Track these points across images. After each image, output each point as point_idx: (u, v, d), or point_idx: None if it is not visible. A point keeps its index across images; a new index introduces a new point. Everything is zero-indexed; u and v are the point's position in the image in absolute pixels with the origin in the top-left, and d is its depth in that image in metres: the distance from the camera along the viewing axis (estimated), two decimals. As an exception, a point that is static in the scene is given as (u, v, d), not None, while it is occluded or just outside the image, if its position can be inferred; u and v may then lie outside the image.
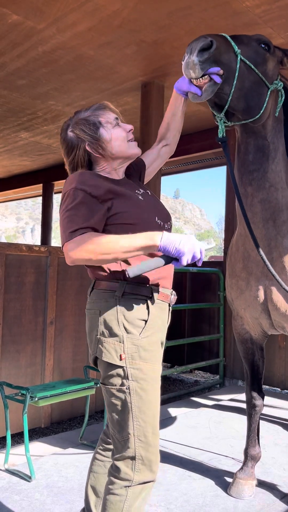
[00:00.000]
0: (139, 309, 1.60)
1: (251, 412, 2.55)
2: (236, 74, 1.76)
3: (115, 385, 1.58)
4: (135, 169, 1.91)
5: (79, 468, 2.78)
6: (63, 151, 1.76)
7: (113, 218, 1.59)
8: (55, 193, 8.69)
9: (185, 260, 1.48)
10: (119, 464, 1.58)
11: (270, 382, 4.92)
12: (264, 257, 1.90)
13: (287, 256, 2.16)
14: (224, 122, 1.91)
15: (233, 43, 1.78)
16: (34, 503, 2.37)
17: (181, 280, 5.79)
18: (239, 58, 1.78)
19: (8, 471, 2.73)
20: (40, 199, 8.84)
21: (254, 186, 2.07)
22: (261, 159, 2.05)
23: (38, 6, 3.20)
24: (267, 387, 5.01)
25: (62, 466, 2.81)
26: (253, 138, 2.04)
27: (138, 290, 1.61)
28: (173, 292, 1.76)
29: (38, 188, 8.71)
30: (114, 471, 1.60)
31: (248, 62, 1.82)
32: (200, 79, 1.68)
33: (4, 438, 3.27)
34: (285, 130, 2.16)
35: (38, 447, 3.19)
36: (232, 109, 1.86)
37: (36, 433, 3.63)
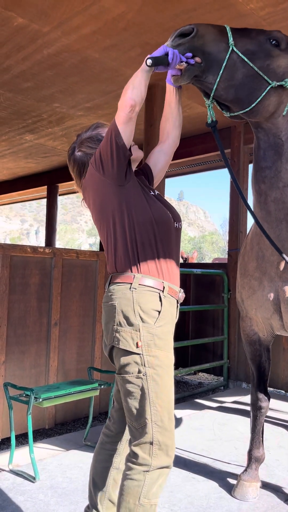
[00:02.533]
0: (153, 300, 1.70)
1: (256, 414, 2.54)
2: (224, 64, 1.79)
3: (132, 373, 1.65)
4: (143, 173, 1.96)
5: (83, 469, 2.78)
6: (75, 172, 1.91)
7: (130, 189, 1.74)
8: (60, 195, 8.71)
9: (171, 55, 1.70)
10: (137, 450, 1.64)
11: (274, 384, 4.91)
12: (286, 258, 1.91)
13: None
14: (222, 110, 1.96)
15: (229, 34, 1.81)
16: (38, 504, 2.37)
17: (185, 282, 5.79)
18: (230, 50, 1.80)
19: (13, 471, 2.74)
20: (44, 201, 8.87)
21: (267, 184, 2.05)
22: (273, 157, 2.03)
23: (43, 9, 3.22)
24: (271, 389, 4.99)
25: (66, 467, 2.82)
26: (263, 134, 2.04)
27: (151, 282, 1.71)
28: (181, 290, 1.85)
29: (43, 190, 8.74)
30: (132, 457, 1.65)
31: (241, 55, 1.82)
32: (179, 64, 1.75)
33: (9, 439, 3.28)
34: None
35: (42, 448, 3.20)
36: (219, 98, 1.88)
37: (40, 434, 3.64)
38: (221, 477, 2.74)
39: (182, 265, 7.04)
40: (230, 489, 2.57)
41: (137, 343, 1.64)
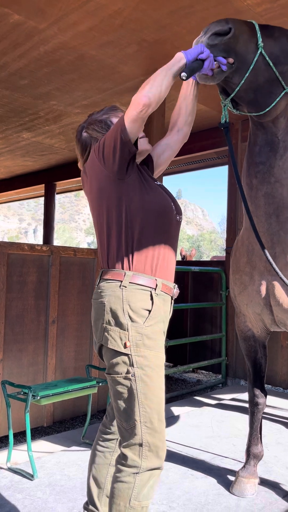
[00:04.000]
0: (144, 299, 1.66)
1: (253, 410, 2.55)
2: (251, 67, 1.74)
3: (121, 373, 1.62)
4: (144, 162, 1.90)
5: (81, 467, 2.78)
6: (78, 151, 1.87)
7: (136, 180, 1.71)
8: (57, 193, 8.69)
9: (205, 56, 1.64)
10: (126, 451, 1.61)
11: (273, 381, 4.92)
12: (267, 254, 1.90)
13: None
14: (229, 108, 1.91)
15: (258, 34, 1.74)
16: (36, 502, 2.37)
17: (183, 280, 5.80)
18: (259, 52, 1.74)
19: (11, 469, 2.74)
20: (42, 199, 8.86)
21: (259, 178, 2.06)
22: (268, 153, 2.04)
23: (39, 6, 3.21)
24: (269, 386, 5.00)
25: (64, 465, 2.81)
26: (262, 131, 2.04)
27: (142, 281, 1.67)
28: (176, 285, 1.81)
29: (40, 189, 8.72)
30: (122, 459, 1.62)
31: (267, 58, 1.77)
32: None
33: (7, 437, 3.27)
34: None
35: (41, 446, 3.20)
36: (238, 99, 1.85)
37: (39, 432, 3.63)
38: (219, 474, 2.75)
39: (180, 263, 7.05)
40: (228, 485, 2.57)
41: (125, 343, 1.61)
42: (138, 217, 1.67)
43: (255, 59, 1.74)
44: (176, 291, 1.80)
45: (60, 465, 2.82)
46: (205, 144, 5.71)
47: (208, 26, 1.65)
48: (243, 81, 1.75)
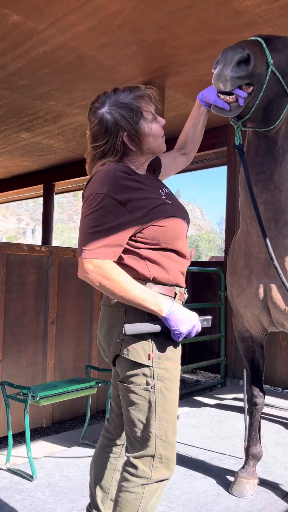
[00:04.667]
0: (152, 319, 1.57)
1: (252, 410, 2.55)
2: (264, 87, 1.71)
3: (139, 385, 1.55)
4: (152, 164, 1.83)
5: (80, 468, 2.78)
6: (93, 130, 1.59)
7: (148, 222, 1.54)
8: (56, 193, 8.69)
9: (178, 338, 1.55)
10: (136, 462, 1.56)
11: (272, 381, 4.92)
12: (273, 256, 1.88)
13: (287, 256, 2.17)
14: (236, 124, 1.88)
15: (267, 52, 1.71)
16: (36, 502, 2.37)
17: (182, 280, 5.78)
18: (270, 70, 1.72)
19: (10, 470, 2.74)
20: (41, 199, 8.85)
21: (259, 187, 2.06)
22: (269, 162, 2.04)
23: (38, 6, 3.21)
24: (268, 386, 5.01)
25: (63, 466, 2.81)
26: (264, 142, 2.02)
27: (164, 290, 1.59)
28: (186, 290, 1.75)
29: (39, 189, 8.71)
30: (130, 468, 1.58)
31: (277, 74, 1.76)
32: (228, 97, 1.64)
33: (6, 437, 3.27)
34: None
35: (40, 447, 3.20)
36: (250, 119, 1.84)
37: (38, 433, 3.63)
38: (218, 474, 2.75)
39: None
40: (227, 486, 2.58)
41: (149, 355, 1.53)
42: (154, 233, 1.56)
43: (267, 78, 1.72)
44: (186, 295, 1.74)
45: (59, 465, 2.81)
46: (204, 145, 5.66)
47: (226, 54, 1.56)
48: (257, 102, 1.73)
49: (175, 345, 1.60)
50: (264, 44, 1.72)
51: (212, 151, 5.91)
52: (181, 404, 4.32)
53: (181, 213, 1.65)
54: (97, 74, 4.26)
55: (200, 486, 2.59)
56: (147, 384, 1.54)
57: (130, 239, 1.54)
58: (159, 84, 4.36)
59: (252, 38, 1.75)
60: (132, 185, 1.54)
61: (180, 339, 1.57)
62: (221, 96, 1.66)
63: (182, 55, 3.86)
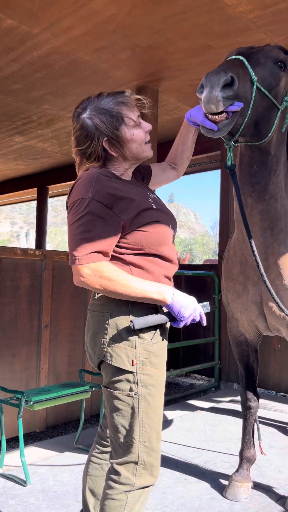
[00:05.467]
0: (150, 313, 1.58)
1: (246, 414, 2.56)
2: (251, 104, 1.73)
3: (122, 390, 1.54)
4: (141, 172, 1.85)
5: (74, 472, 2.77)
6: (75, 135, 1.61)
7: (132, 226, 1.54)
8: (50, 197, 8.68)
9: (183, 324, 1.58)
10: (120, 468, 1.56)
11: (265, 384, 4.93)
12: (263, 272, 1.90)
13: (283, 263, 2.18)
14: (225, 140, 1.88)
15: (250, 70, 1.74)
16: (29, 508, 2.36)
17: (176, 283, 5.78)
18: (255, 86, 1.74)
19: (3, 475, 2.72)
20: (35, 203, 8.84)
21: (254, 197, 2.07)
22: (263, 173, 2.04)
23: (33, 10, 3.22)
24: (262, 389, 5.02)
25: (57, 471, 2.80)
26: (258, 153, 2.02)
27: None
28: None
29: (33, 192, 8.70)
30: (114, 475, 1.57)
31: (263, 89, 1.79)
32: (217, 116, 1.66)
33: (-1, 442, 3.25)
34: (287, 140, 2.15)
35: (33, 452, 3.18)
36: (242, 136, 1.85)
37: (31, 438, 3.61)
38: (213, 478, 2.75)
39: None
40: (222, 490, 2.58)
41: (132, 361, 1.52)
42: (139, 239, 1.57)
43: (253, 95, 1.74)
44: None
45: (53, 470, 2.80)
46: (197, 149, 5.68)
47: (210, 79, 1.58)
48: (246, 120, 1.75)
49: (159, 350, 1.60)
50: (246, 62, 1.74)
51: (205, 155, 5.94)
52: (175, 408, 4.32)
53: (166, 218, 1.65)
54: (91, 79, 4.28)
55: (194, 490, 2.59)
56: (131, 390, 1.53)
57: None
58: (153, 88, 4.39)
59: (234, 57, 1.76)
60: (117, 187, 1.54)
61: (181, 325, 1.58)
62: (209, 116, 1.67)
63: (176, 60, 3.88)
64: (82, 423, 3.27)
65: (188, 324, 1.60)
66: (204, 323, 1.64)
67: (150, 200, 1.65)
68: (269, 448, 3.26)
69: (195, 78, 4.20)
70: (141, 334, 1.55)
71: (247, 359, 2.55)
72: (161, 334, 1.61)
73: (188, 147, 1.97)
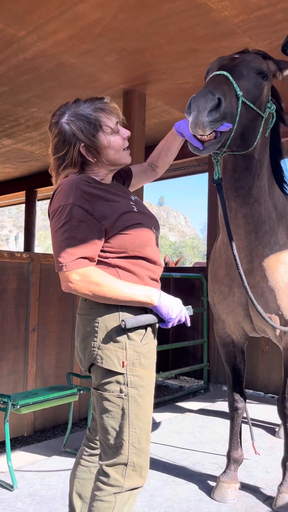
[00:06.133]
0: (140, 314, 1.59)
1: (233, 415, 2.57)
2: (237, 119, 1.76)
3: (113, 392, 1.55)
4: (121, 175, 1.88)
5: (62, 476, 2.75)
6: (53, 141, 1.62)
7: (114, 230, 1.55)
8: (39, 200, 8.65)
9: (171, 324, 1.62)
10: (109, 470, 1.56)
11: (254, 386, 4.96)
12: (243, 278, 1.93)
13: (268, 265, 2.20)
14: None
15: (235, 85, 1.76)
16: (16, 513, 2.34)
17: (165, 286, 5.81)
18: (240, 101, 1.77)
19: (-10, 480, 2.69)
20: (24, 206, 8.79)
21: (238, 202, 2.09)
22: (247, 177, 2.06)
23: (18, 14, 3.21)
24: (251, 391, 5.04)
25: (45, 475, 2.78)
26: (242, 159, 2.04)
27: None
28: None
29: (21, 196, 8.66)
30: (103, 477, 1.57)
31: (248, 102, 1.82)
32: (205, 136, 1.68)
33: (-14, 447, 3.22)
34: (270, 143, 2.18)
35: (21, 456, 3.15)
36: (228, 148, 1.87)
37: (19, 442, 3.59)
38: (201, 480, 2.75)
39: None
40: (209, 491, 2.58)
41: (122, 362, 1.53)
42: (121, 242, 1.58)
43: (239, 110, 1.77)
44: None
45: (40, 475, 2.78)
46: (185, 152, 5.74)
47: (197, 102, 1.60)
48: (232, 134, 1.78)
49: (149, 352, 1.61)
50: (230, 78, 1.77)
51: (193, 158, 5.97)
52: (164, 410, 4.32)
53: (148, 220, 1.67)
54: (78, 82, 4.28)
55: (182, 492, 2.59)
56: (121, 391, 1.54)
57: None
58: (140, 91, 4.40)
59: (218, 73, 1.78)
60: (97, 192, 1.56)
61: (169, 326, 1.61)
62: (198, 136, 1.69)
63: (162, 63, 3.91)
64: (70, 427, 3.26)
65: (175, 324, 1.63)
66: (188, 323, 1.67)
67: (132, 203, 1.67)
68: (257, 449, 3.26)
69: (182, 81, 4.23)
70: (131, 336, 1.56)
71: (234, 360, 2.57)
72: (150, 335, 1.62)
73: (172, 153, 2.02)
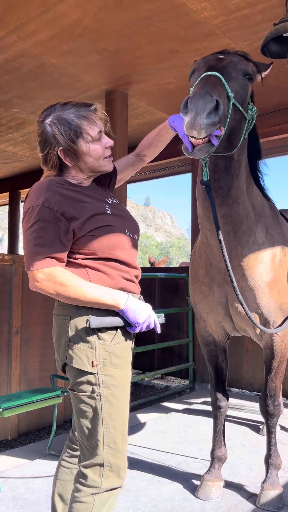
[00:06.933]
0: (112, 313, 1.58)
1: (216, 413, 2.58)
2: (227, 122, 1.76)
3: (85, 392, 1.55)
4: (106, 175, 1.86)
5: (46, 479, 2.73)
6: (37, 140, 1.66)
7: (83, 231, 1.56)
8: (22, 201, 8.57)
9: (138, 329, 1.60)
10: (87, 471, 1.56)
11: (239, 384, 4.99)
12: (231, 273, 1.95)
13: (247, 264, 2.22)
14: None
15: (227, 87, 1.77)
16: (-1, 517, 2.32)
17: (150, 286, 5.82)
18: (231, 103, 1.78)
19: (-27, 485, 2.66)
20: (7, 208, 8.71)
21: (217, 202, 2.10)
22: (227, 178, 2.07)
23: (-3, 13, 3.19)
24: (236, 389, 5.08)
25: (29, 478, 2.76)
26: (222, 159, 2.05)
27: None
28: (141, 297, 1.75)
29: (5, 197, 8.58)
30: (81, 478, 1.58)
31: (237, 104, 1.83)
32: (200, 139, 1.66)
33: None
34: (248, 144, 2.20)
35: (5, 460, 3.12)
36: (216, 151, 1.88)
37: (3, 446, 3.55)
38: (185, 479, 2.76)
39: (147, 270, 7.07)
40: (194, 490, 2.59)
41: (92, 362, 1.53)
42: (91, 244, 1.59)
43: (230, 112, 1.78)
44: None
45: (24, 478, 2.76)
46: (169, 152, 5.73)
47: (195, 102, 1.57)
48: (222, 137, 1.78)
49: (121, 351, 1.60)
50: (223, 80, 1.78)
51: (177, 159, 5.99)
52: (149, 410, 4.32)
53: (122, 223, 1.66)
54: (60, 82, 4.26)
55: (167, 492, 2.59)
56: (93, 391, 1.55)
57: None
58: (122, 92, 4.40)
59: (210, 74, 1.78)
60: (69, 194, 1.57)
61: (137, 330, 1.60)
62: (191, 138, 1.68)
63: (144, 64, 3.91)
64: (55, 429, 3.24)
65: (143, 330, 1.62)
66: (158, 330, 1.66)
67: (107, 206, 1.66)
68: (241, 446, 3.29)
69: (164, 82, 4.24)
70: (101, 335, 1.56)
71: (216, 359, 2.58)
72: (123, 335, 1.61)
73: (163, 144, 2.03)
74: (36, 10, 3.14)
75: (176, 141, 1.89)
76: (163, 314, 1.73)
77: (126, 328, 1.61)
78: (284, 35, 2.90)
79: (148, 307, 1.62)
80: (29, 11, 3.15)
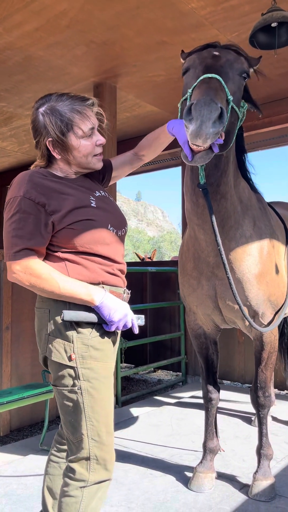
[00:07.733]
0: (90, 309, 1.56)
1: (208, 406, 2.59)
2: (225, 123, 1.73)
3: (67, 386, 1.55)
4: (100, 170, 1.82)
5: (39, 475, 2.73)
6: (31, 127, 1.65)
7: (62, 224, 1.54)
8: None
9: (113, 327, 1.58)
10: (74, 465, 1.57)
11: (231, 377, 5.02)
12: (225, 262, 1.95)
13: (234, 257, 2.22)
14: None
15: (226, 90, 1.75)
16: (-9, 513, 2.30)
17: (141, 280, 5.81)
18: (230, 106, 1.76)
19: None
20: (-4, 203, 8.63)
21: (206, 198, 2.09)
22: (216, 174, 2.06)
23: (-18, 5, 3.13)
24: (228, 382, 5.10)
25: (21, 474, 2.75)
26: (213, 158, 2.01)
27: None
28: (126, 290, 1.72)
29: (-6, 193, 8.49)
30: (69, 472, 1.58)
31: (235, 107, 1.82)
32: (202, 147, 1.64)
33: None
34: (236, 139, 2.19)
35: (-3, 456, 3.11)
36: None
37: (-5, 442, 3.53)
38: (178, 471, 2.77)
39: (138, 264, 7.07)
40: (187, 482, 2.60)
41: (70, 356, 1.52)
42: (71, 237, 1.57)
43: (228, 115, 1.77)
44: (126, 295, 1.71)
45: (17, 474, 2.75)
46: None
47: (199, 111, 1.54)
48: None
49: (100, 344, 1.58)
50: (223, 83, 1.75)
51: (167, 152, 5.96)
52: (142, 404, 4.33)
53: (106, 217, 1.63)
54: (47, 75, 4.21)
55: (160, 484, 2.60)
56: (74, 385, 1.54)
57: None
58: (110, 85, 4.37)
59: (210, 76, 1.75)
60: (52, 185, 1.56)
61: (112, 329, 1.58)
62: (191, 144, 1.64)
63: (132, 56, 3.88)
64: (47, 424, 3.23)
65: (120, 329, 1.61)
66: (136, 331, 1.65)
67: (92, 198, 1.64)
68: (234, 438, 3.31)
69: (153, 74, 4.21)
70: (79, 329, 1.55)
71: (206, 351, 2.58)
72: (101, 328, 1.59)
73: (162, 147, 2.01)
74: (21, 1, 3.09)
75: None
76: (143, 316, 1.70)
77: (103, 326, 1.59)
78: (272, 25, 2.89)
79: (125, 306, 1.60)
80: (14, 2, 3.10)
